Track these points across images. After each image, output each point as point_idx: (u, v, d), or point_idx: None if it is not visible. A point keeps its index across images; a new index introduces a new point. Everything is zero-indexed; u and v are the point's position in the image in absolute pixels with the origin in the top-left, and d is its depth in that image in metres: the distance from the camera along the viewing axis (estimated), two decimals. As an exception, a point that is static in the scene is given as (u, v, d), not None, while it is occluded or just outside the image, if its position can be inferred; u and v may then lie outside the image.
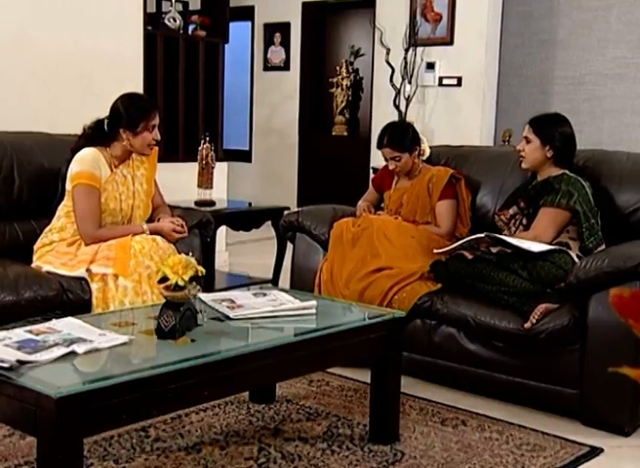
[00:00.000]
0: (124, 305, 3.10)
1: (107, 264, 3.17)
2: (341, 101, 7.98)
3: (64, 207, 3.42)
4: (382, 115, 6.67)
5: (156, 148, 3.64)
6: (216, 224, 4.00)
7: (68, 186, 3.37)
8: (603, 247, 3.24)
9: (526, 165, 3.43)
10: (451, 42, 6.64)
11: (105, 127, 3.41)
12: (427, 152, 3.93)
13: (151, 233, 3.35)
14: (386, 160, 3.84)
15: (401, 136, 3.82)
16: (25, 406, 1.98)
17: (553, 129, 3.39)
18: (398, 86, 6.80)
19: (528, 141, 3.39)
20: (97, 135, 3.43)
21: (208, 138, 4.69)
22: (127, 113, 3.37)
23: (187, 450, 2.68)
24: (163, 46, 5.61)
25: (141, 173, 3.52)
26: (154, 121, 3.40)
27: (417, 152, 3.83)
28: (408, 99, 6.77)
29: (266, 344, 2.45)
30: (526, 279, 3.14)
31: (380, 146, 3.83)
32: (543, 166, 3.40)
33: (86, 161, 3.35)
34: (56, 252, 3.34)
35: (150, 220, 3.56)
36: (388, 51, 6.83)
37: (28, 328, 2.37)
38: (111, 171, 3.41)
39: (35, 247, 3.43)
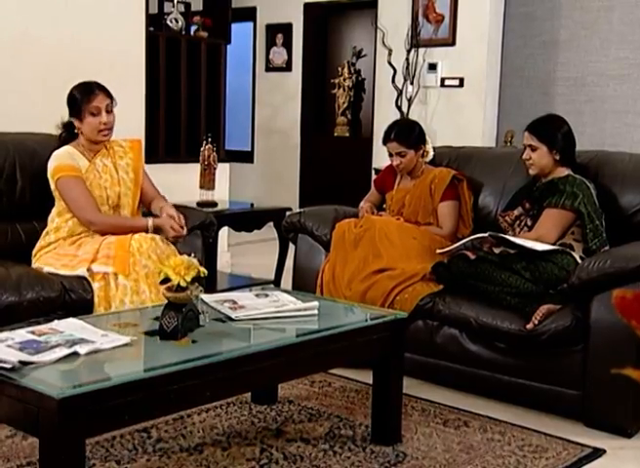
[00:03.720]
0: (124, 304, 3.10)
1: (108, 263, 3.18)
2: (343, 102, 7.98)
3: (55, 208, 3.45)
4: (384, 116, 6.67)
5: (140, 140, 3.65)
6: (218, 225, 3.99)
7: (52, 185, 3.40)
8: (607, 248, 3.24)
9: (535, 171, 3.43)
10: (453, 43, 6.64)
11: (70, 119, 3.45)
12: (431, 154, 3.93)
13: (155, 229, 3.35)
14: (391, 156, 3.83)
15: (408, 132, 3.83)
16: (28, 406, 1.98)
17: (555, 131, 3.39)
18: (400, 87, 6.80)
19: (533, 149, 3.39)
20: (67, 134, 3.48)
21: (210, 139, 4.69)
22: (70, 101, 3.40)
23: (189, 451, 2.68)
24: (165, 47, 5.61)
25: (126, 162, 3.52)
26: (95, 103, 3.35)
27: (421, 151, 3.84)
28: (410, 100, 6.77)
29: (268, 345, 2.45)
30: (528, 280, 3.13)
31: (386, 141, 3.83)
32: (551, 168, 3.40)
33: (61, 156, 3.39)
34: (56, 253, 3.34)
35: (149, 213, 3.55)
36: (390, 52, 6.83)
37: (31, 328, 2.37)
38: (89, 162, 3.43)
39: (34, 251, 3.43)
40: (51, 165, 3.40)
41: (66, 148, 3.43)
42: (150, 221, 3.39)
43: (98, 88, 3.40)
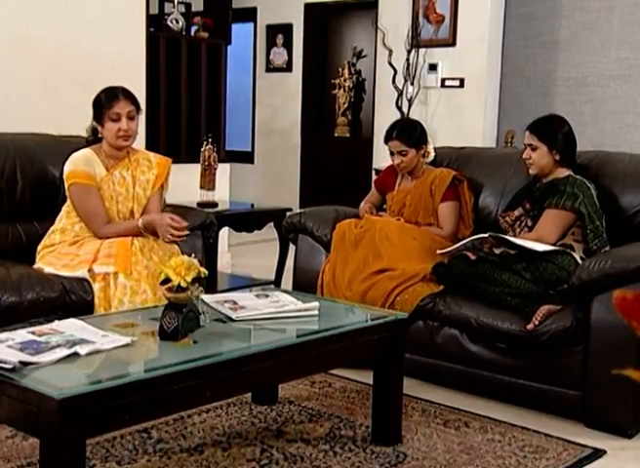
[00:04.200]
0: (123, 304, 3.10)
1: (109, 262, 3.17)
2: (344, 103, 7.98)
3: (66, 206, 3.44)
4: (385, 116, 6.67)
5: (169, 160, 3.58)
6: (218, 226, 3.99)
7: (66, 186, 3.39)
8: (607, 249, 3.24)
9: (535, 171, 3.43)
10: (453, 43, 6.64)
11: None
12: (432, 155, 3.92)
13: (146, 227, 3.31)
14: (392, 154, 3.83)
15: (410, 130, 3.84)
16: (28, 407, 1.98)
17: (556, 131, 3.39)
18: (400, 87, 6.80)
19: (534, 149, 3.39)
20: (94, 138, 3.46)
21: (210, 140, 4.69)
22: (94, 106, 3.38)
23: (190, 452, 2.68)
24: (165, 47, 5.61)
25: (147, 178, 3.47)
26: (115, 109, 3.31)
27: (422, 151, 3.84)
28: (410, 101, 6.77)
29: (269, 346, 2.45)
30: (529, 280, 3.13)
31: (387, 139, 3.83)
32: (551, 168, 3.40)
33: (77, 160, 3.36)
34: (57, 253, 3.34)
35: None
36: (391, 52, 6.83)
37: (31, 329, 2.37)
38: (107, 171, 3.41)
39: (38, 248, 3.43)
40: (66, 168, 3.37)
41: (85, 152, 3.39)
42: (140, 220, 3.34)
43: (122, 94, 3.36)
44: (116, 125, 3.33)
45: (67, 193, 3.39)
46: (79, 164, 3.35)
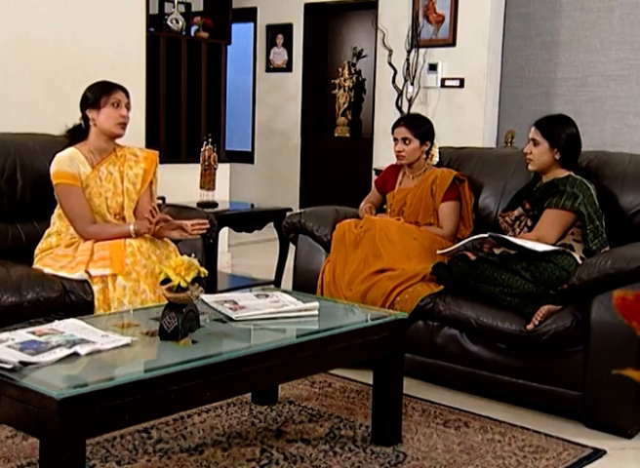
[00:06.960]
0: (123, 305, 3.10)
1: (105, 265, 3.16)
2: (344, 103, 7.97)
3: (57, 209, 3.43)
4: (385, 117, 6.67)
5: (156, 153, 3.58)
6: (218, 226, 3.99)
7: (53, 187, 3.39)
8: (607, 249, 3.24)
9: (533, 167, 3.43)
10: (453, 43, 6.64)
11: (80, 120, 3.44)
12: (436, 159, 3.91)
13: (137, 234, 3.26)
14: (395, 143, 3.83)
15: (420, 123, 3.89)
16: (28, 407, 1.98)
17: (560, 131, 3.39)
18: (400, 87, 6.80)
19: (536, 144, 3.39)
20: (76, 134, 3.45)
21: (210, 140, 4.70)
22: (90, 93, 3.39)
23: (190, 452, 2.68)
24: (165, 47, 5.61)
25: (135, 172, 3.47)
26: (117, 96, 3.35)
27: (426, 148, 3.84)
28: (410, 101, 6.77)
29: (269, 346, 2.45)
30: (529, 280, 3.13)
31: (395, 126, 3.86)
32: (550, 167, 3.40)
33: (61, 160, 3.36)
34: (55, 255, 3.33)
35: None
36: (391, 52, 6.83)
37: (31, 329, 2.37)
38: (93, 168, 3.39)
39: (35, 251, 3.42)
40: (52, 168, 3.37)
41: (70, 152, 3.38)
42: (132, 227, 3.28)
43: (120, 87, 3.42)
44: (117, 111, 3.35)
45: (55, 193, 3.39)
46: (62, 164, 3.34)
